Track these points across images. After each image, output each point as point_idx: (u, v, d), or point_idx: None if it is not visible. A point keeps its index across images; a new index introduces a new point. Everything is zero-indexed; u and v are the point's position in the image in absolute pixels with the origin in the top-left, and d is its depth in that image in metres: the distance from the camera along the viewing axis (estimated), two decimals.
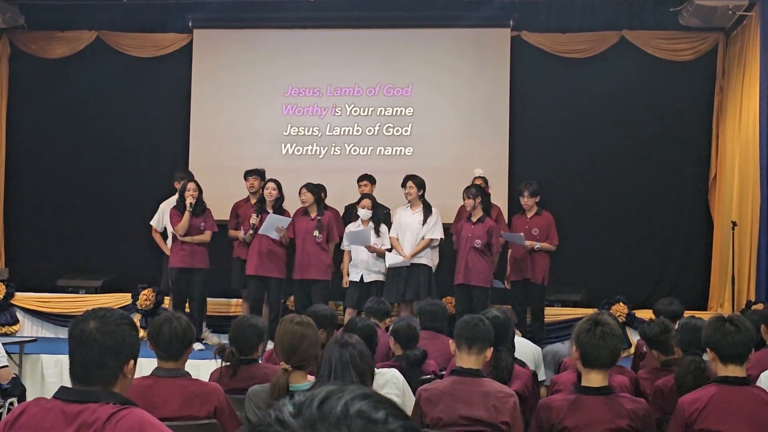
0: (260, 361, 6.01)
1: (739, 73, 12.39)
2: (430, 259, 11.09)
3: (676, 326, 6.17)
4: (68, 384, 3.35)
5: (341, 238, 11.40)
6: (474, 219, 10.86)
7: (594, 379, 4.65)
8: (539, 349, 7.76)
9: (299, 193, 11.24)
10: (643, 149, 13.04)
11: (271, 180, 11.16)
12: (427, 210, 11.14)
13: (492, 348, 5.17)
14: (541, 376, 7.44)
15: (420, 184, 11.14)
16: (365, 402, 1.30)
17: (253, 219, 10.96)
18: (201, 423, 4.83)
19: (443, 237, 11.18)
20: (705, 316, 7.78)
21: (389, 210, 11.56)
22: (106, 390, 3.25)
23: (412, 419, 1.32)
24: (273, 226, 10.79)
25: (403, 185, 11.19)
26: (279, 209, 11.04)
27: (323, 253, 11.15)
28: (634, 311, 11.75)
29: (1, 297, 12.60)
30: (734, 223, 11.56)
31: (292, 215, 11.20)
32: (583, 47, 13.25)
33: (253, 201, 11.55)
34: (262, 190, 11.17)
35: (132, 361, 3.34)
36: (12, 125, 14.31)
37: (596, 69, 13.18)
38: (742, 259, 11.85)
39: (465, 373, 4.98)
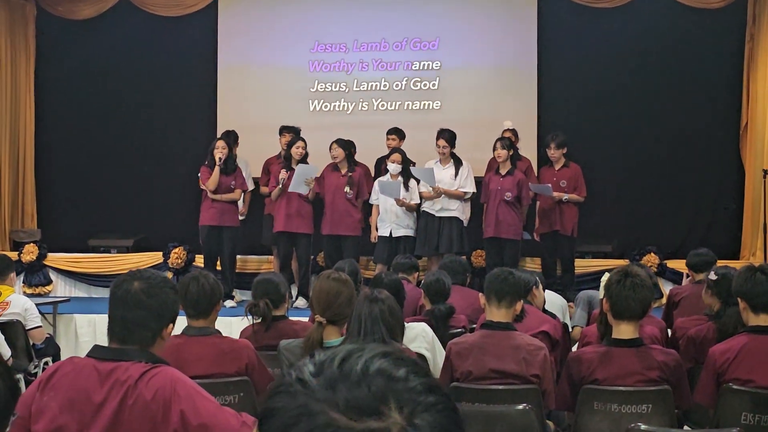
0: (288, 317, 6.02)
1: None
2: (461, 212, 11.08)
3: (708, 277, 6.12)
4: (102, 343, 3.40)
5: (370, 194, 11.39)
6: (503, 172, 10.83)
7: (624, 330, 4.64)
8: (565, 300, 7.77)
9: (330, 148, 11.23)
10: (673, 99, 12.91)
11: (299, 138, 11.15)
12: (458, 163, 11.12)
13: (522, 302, 5.16)
14: (570, 327, 7.45)
15: (451, 140, 11.09)
16: (386, 360, 1.30)
17: (282, 175, 10.96)
18: (232, 380, 4.87)
19: (475, 191, 11.16)
20: (737, 265, 7.75)
21: (414, 163, 11.52)
22: (141, 349, 3.29)
23: (433, 376, 1.32)
24: (302, 178, 10.78)
25: (437, 140, 11.15)
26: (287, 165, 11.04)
27: (354, 209, 11.16)
28: (665, 261, 11.70)
29: (35, 258, 12.71)
30: (765, 172, 11.45)
31: (320, 172, 11.20)
32: None
33: None
34: (289, 149, 11.14)
35: (171, 325, 3.41)
36: (40, 87, 14.35)
37: (624, 18, 13.01)
38: None
39: (495, 326, 4.99)
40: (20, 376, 7.66)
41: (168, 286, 3.44)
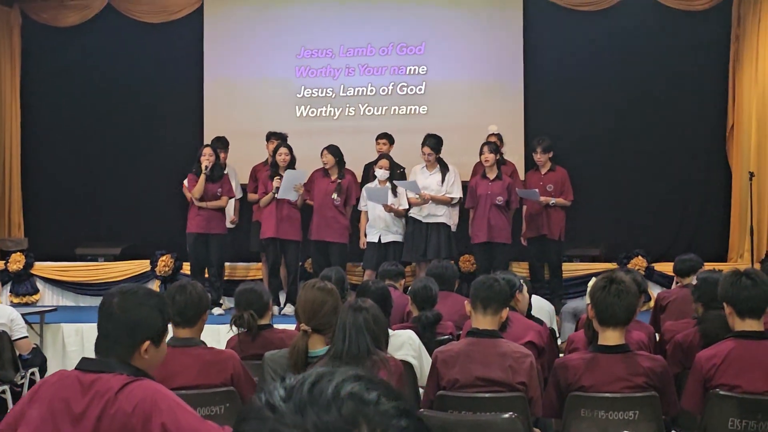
0: (274, 326, 6.00)
1: (754, 21, 12.27)
2: (449, 217, 11.08)
3: (694, 281, 6.12)
4: (90, 353, 3.44)
5: (358, 201, 11.38)
6: (491, 176, 10.84)
7: (610, 337, 4.63)
8: (553, 306, 7.76)
9: (321, 154, 11.21)
10: (659, 101, 12.92)
11: (282, 145, 11.14)
12: (445, 169, 11.12)
13: (507, 309, 5.15)
14: (557, 332, 7.45)
15: (436, 146, 11.09)
16: (357, 383, 1.28)
17: (276, 182, 10.94)
18: (218, 390, 4.85)
19: (462, 195, 11.16)
20: (725, 267, 7.77)
21: (404, 169, 11.52)
22: (122, 362, 3.30)
23: (406, 400, 1.30)
24: (291, 184, 10.77)
25: (422, 146, 11.15)
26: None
27: (341, 216, 11.14)
28: (653, 264, 11.71)
29: (21, 267, 12.67)
30: (752, 174, 11.48)
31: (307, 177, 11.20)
32: None
33: None
34: (274, 156, 11.14)
35: (148, 342, 3.37)
36: (26, 95, 14.31)
37: (610, 21, 13.02)
38: (761, 209, 11.80)
39: (481, 334, 4.97)
40: (6, 387, 7.63)
41: (148, 303, 3.41)
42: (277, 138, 11.64)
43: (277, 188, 10.89)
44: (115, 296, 3.39)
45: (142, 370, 3.32)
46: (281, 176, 10.89)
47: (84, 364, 3.34)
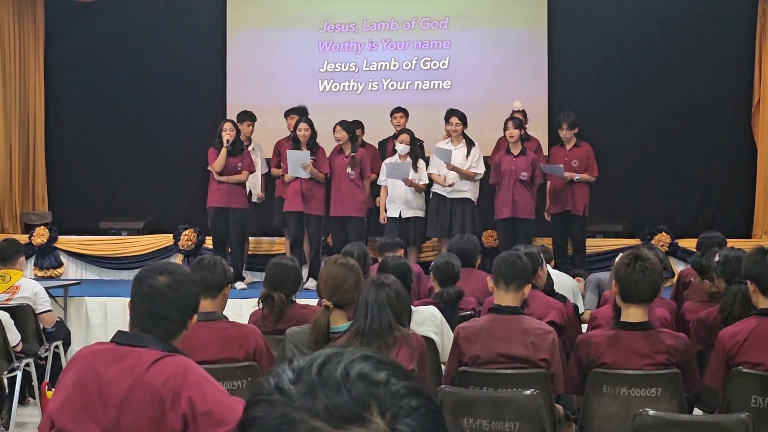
0: (296, 301, 6.00)
1: None
2: (472, 193, 11.06)
3: (717, 257, 6.09)
4: (115, 327, 3.52)
5: (378, 175, 11.36)
6: (515, 152, 10.81)
7: (633, 314, 4.61)
8: (575, 282, 7.74)
9: (333, 130, 11.20)
10: (684, 76, 12.82)
11: (303, 120, 11.12)
12: (470, 144, 11.10)
13: (530, 285, 5.14)
14: (580, 308, 7.42)
15: (464, 119, 11.07)
16: (366, 364, 1.27)
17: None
18: (240, 365, 4.86)
19: (485, 171, 11.14)
20: (749, 244, 7.72)
21: (422, 142, 11.50)
22: (161, 340, 3.38)
23: (416, 378, 1.29)
24: (296, 163, 10.76)
25: (447, 120, 11.12)
26: (313, 146, 10.99)
27: (357, 190, 11.10)
28: (676, 240, 11.65)
29: (45, 241, 12.73)
30: None
31: (329, 153, 11.18)
32: None
33: None
34: (295, 130, 11.14)
35: (195, 316, 3.53)
36: (49, 69, 14.32)
37: None
38: None
39: (503, 310, 4.96)
40: (30, 360, 7.68)
41: (192, 281, 3.55)
42: (296, 113, 11.63)
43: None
44: (158, 276, 3.45)
45: (177, 348, 3.41)
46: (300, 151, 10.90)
47: (119, 337, 3.41)
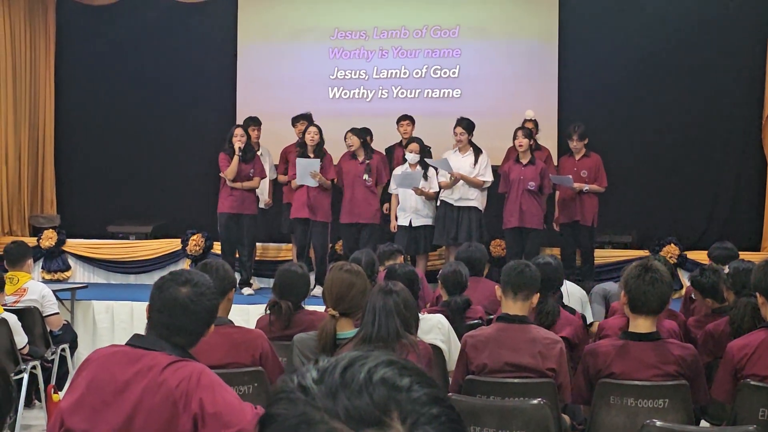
0: (304, 307, 6.00)
1: None
2: (480, 202, 11.05)
3: (727, 269, 6.06)
4: (121, 331, 3.53)
5: (389, 182, 11.36)
6: (524, 161, 10.80)
7: (642, 324, 4.61)
8: (584, 292, 7.72)
9: (345, 137, 11.21)
10: (695, 87, 12.80)
11: (312, 124, 11.13)
12: (478, 152, 11.10)
13: (539, 294, 5.12)
14: (589, 318, 7.40)
15: (469, 128, 11.08)
16: (389, 369, 1.26)
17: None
18: (246, 370, 4.85)
19: (492, 179, 11.13)
20: (758, 256, 7.68)
21: (430, 148, 11.49)
22: (179, 345, 3.41)
23: (438, 387, 1.28)
24: (306, 171, 10.75)
25: (454, 128, 11.15)
26: (320, 153, 10.99)
27: (372, 197, 11.14)
28: (685, 252, 11.62)
29: (54, 244, 12.75)
30: None
31: (338, 160, 11.19)
32: None
33: None
34: (304, 135, 11.14)
35: (213, 326, 3.58)
36: (60, 73, 14.37)
37: (645, 4, 12.91)
38: None
39: (511, 319, 4.95)
40: (37, 363, 7.68)
41: (211, 291, 3.53)
42: (303, 119, 11.65)
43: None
44: (180, 288, 3.45)
45: (192, 355, 3.44)
46: (309, 157, 10.89)
47: (135, 340, 3.43)
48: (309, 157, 10.88)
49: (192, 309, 3.41)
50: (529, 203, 10.76)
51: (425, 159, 11.09)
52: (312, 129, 11.02)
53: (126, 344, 3.41)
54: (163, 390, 3.22)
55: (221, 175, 11.08)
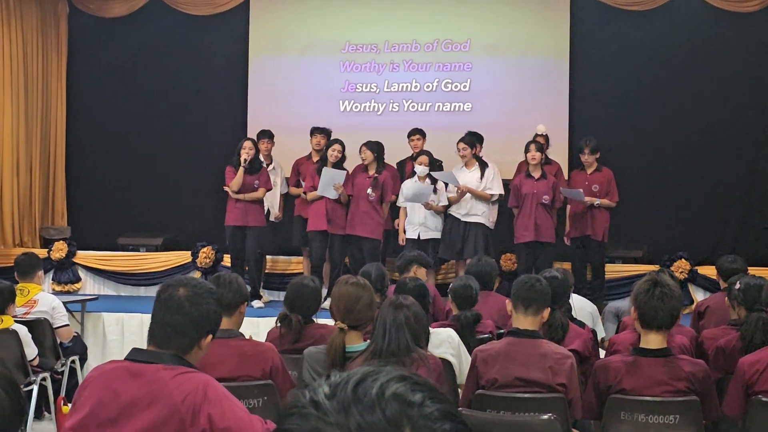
0: (315, 320, 5.99)
1: None
2: (486, 218, 11.02)
3: (738, 285, 6.04)
4: (131, 343, 3.49)
5: (397, 197, 11.33)
6: (536, 175, 10.79)
7: (652, 340, 4.59)
8: (595, 306, 7.69)
9: (359, 150, 11.21)
10: (705, 102, 12.78)
11: (337, 141, 11.11)
12: (484, 166, 11.08)
13: (549, 309, 5.11)
14: (600, 333, 7.37)
15: (471, 143, 11.07)
16: (402, 384, 1.26)
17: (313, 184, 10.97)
18: (256, 383, 4.85)
19: (503, 192, 11.11)
20: None
21: (441, 162, 11.49)
22: (176, 356, 3.36)
23: (450, 402, 1.28)
24: (330, 182, 10.74)
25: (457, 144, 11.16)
26: (340, 169, 10.97)
27: (374, 212, 11.06)
28: (696, 267, 11.58)
29: (64, 255, 12.77)
30: None
31: (351, 173, 11.19)
32: None
33: (315, 159, 11.54)
34: (326, 150, 11.12)
35: (210, 336, 3.47)
36: (72, 85, 14.42)
37: (657, 22, 12.90)
38: None
39: (521, 334, 4.93)
40: (47, 374, 7.69)
41: (213, 297, 3.49)
42: (322, 133, 11.65)
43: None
44: (180, 288, 3.43)
45: (193, 365, 3.39)
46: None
47: (135, 355, 3.40)
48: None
49: (188, 310, 3.38)
50: (544, 217, 10.76)
51: (431, 173, 11.07)
52: (336, 146, 11.00)
53: (125, 359, 3.39)
54: (168, 405, 3.20)
55: (224, 188, 11.09)
